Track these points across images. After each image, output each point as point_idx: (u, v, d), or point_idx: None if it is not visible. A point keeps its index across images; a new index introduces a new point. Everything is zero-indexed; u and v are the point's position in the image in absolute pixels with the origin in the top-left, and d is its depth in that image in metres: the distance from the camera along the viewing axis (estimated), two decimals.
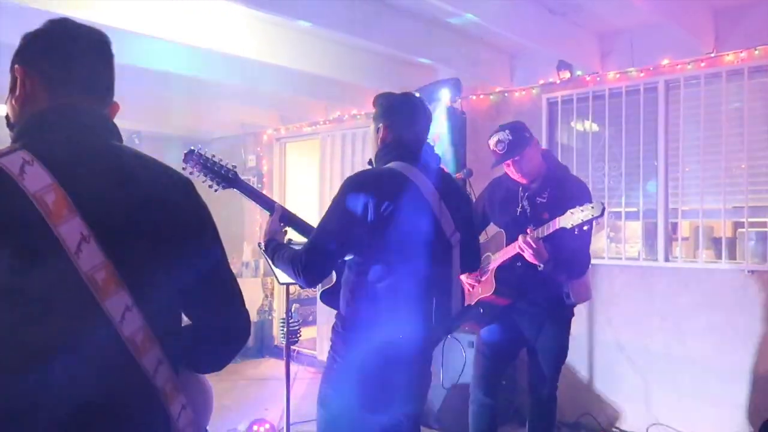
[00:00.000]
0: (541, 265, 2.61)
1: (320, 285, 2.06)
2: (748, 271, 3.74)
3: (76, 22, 1.20)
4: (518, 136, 2.74)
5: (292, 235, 2.27)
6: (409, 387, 1.98)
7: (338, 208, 1.88)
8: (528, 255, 2.60)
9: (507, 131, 2.76)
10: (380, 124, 2.05)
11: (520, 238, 2.60)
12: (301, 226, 2.25)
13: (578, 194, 2.70)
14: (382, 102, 2.10)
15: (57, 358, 1.01)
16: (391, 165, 1.96)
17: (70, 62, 1.16)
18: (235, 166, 2.18)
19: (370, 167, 2.08)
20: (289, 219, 2.22)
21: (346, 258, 1.96)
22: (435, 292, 1.97)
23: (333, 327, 2.00)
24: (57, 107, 1.13)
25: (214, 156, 2.12)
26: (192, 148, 2.07)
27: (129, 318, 1.05)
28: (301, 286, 2.07)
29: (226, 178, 2.14)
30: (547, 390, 2.96)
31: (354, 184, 1.91)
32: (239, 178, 2.17)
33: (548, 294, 2.80)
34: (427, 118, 2.12)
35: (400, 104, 2.08)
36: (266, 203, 2.24)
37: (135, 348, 1.06)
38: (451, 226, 2.00)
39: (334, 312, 2.04)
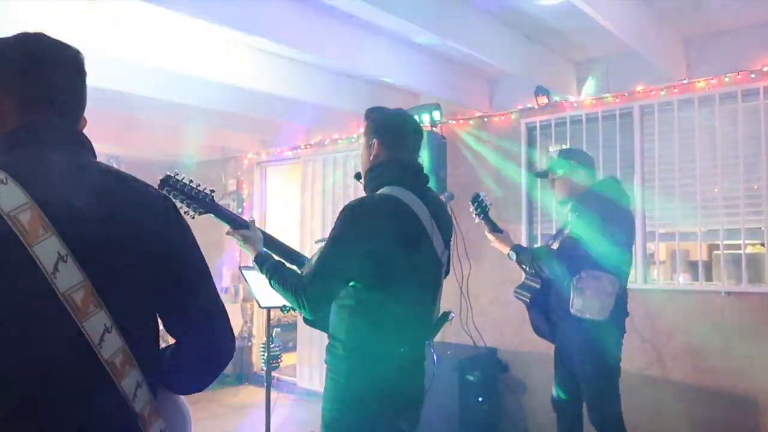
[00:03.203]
0: (509, 250, 3.04)
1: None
2: (725, 293, 3.79)
3: (50, 38, 1.17)
4: (563, 158, 3.10)
5: None
6: (411, 397, 2.01)
7: (341, 237, 1.87)
8: (494, 244, 3.09)
9: (558, 151, 3.16)
10: (374, 140, 2.03)
11: None
12: (279, 247, 2.21)
13: (586, 220, 2.88)
14: (376, 117, 2.07)
15: (34, 382, 0.98)
16: (387, 191, 1.95)
17: (45, 81, 1.13)
18: (213, 191, 2.11)
19: (367, 192, 2.05)
20: (267, 241, 2.18)
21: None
22: (426, 307, 2.03)
23: (329, 350, 1.97)
24: (30, 125, 1.11)
25: (191, 181, 2.05)
26: (168, 173, 2.00)
27: (108, 339, 1.02)
28: (301, 315, 2.03)
29: (204, 203, 2.07)
30: (594, 420, 2.92)
31: (356, 213, 1.90)
32: (217, 203, 2.12)
33: (561, 300, 2.91)
34: (420, 137, 2.12)
35: (396, 121, 2.07)
36: (242, 225, 2.18)
37: (114, 371, 1.03)
38: (441, 246, 2.03)
39: (317, 338, 2.01)
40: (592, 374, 2.90)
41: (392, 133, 2.03)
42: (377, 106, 2.13)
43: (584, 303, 2.82)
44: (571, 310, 2.84)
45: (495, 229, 3.07)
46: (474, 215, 3.05)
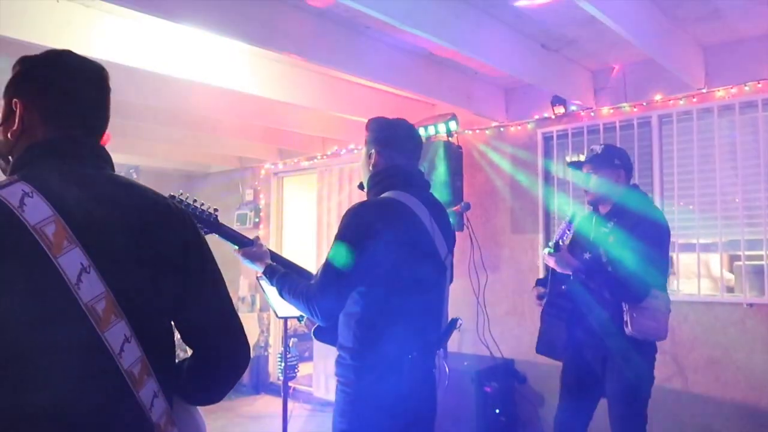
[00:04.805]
0: (570, 273, 2.75)
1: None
2: (747, 305, 3.73)
3: (76, 55, 1.20)
4: (607, 155, 2.87)
5: None
6: (423, 408, 1.98)
7: (345, 239, 1.87)
8: (553, 265, 2.78)
9: (603, 146, 2.93)
10: (372, 150, 2.07)
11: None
12: (285, 265, 2.20)
13: (641, 231, 2.66)
14: (374, 127, 2.12)
15: (56, 391, 0.99)
16: (389, 194, 1.97)
17: (70, 97, 1.16)
18: (216, 210, 2.11)
19: (369, 198, 2.07)
20: (273, 258, 2.17)
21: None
22: (432, 312, 2.01)
23: (338, 361, 1.96)
24: (55, 139, 1.14)
25: (195, 200, 2.06)
26: (172, 194, 1.98)
27: (128, 349, 1.04)
28: (314, 323, 2.03)
29: (209, 223, 2.07)
30: None
31: (357, 216, 1.91)
32: (221, 223, 2.12)
33: (603, 319, 2.70)
34: (418, 144, 2.14)
35: (393, 130, 2.10)
36: (248, 244, 2.17)
37: (133, 380, 1.05)
38: (444, 250, 2.04)
39: (332, 348, 2.01)
40: (628, 396, 2.73)
41: (390, 142, 2.07)
42: (377, 117, 2.17)
43: (644, 323, 2.63)
44: (627, 330, 2.64)
45: (556, 247, 2.79)
46: (567, 231, 2.84)
